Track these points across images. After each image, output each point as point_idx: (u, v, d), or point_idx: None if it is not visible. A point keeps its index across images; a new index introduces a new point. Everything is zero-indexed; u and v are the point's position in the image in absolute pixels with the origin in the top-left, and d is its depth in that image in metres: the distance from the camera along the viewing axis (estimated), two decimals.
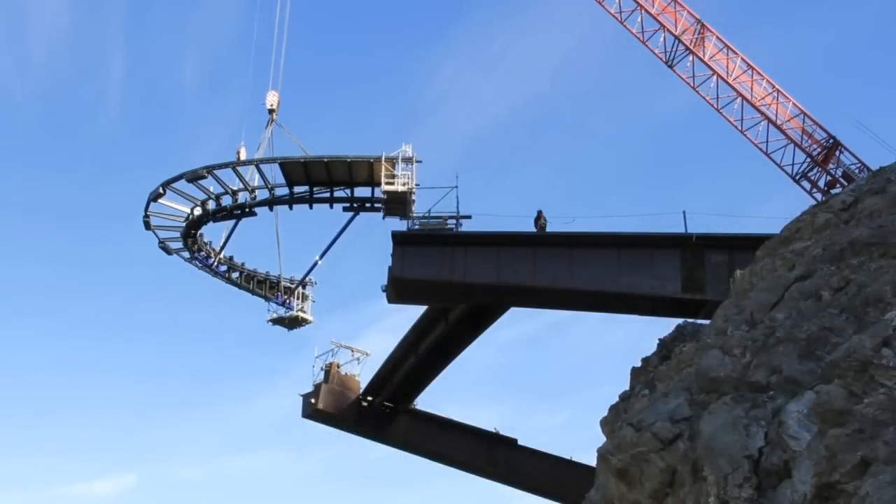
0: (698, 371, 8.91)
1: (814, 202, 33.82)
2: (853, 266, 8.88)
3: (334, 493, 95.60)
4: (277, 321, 38.10)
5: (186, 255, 36.66)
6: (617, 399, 11.52)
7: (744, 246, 22.43)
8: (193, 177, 32.59)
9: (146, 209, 34.38)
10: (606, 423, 10.93)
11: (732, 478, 7.04)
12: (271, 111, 36.96)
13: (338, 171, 31.41)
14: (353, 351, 38.59)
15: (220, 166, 32.72)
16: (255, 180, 33.32)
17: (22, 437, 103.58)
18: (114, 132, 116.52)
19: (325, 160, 31.15)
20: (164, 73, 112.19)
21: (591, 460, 10.61)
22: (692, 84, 36.53)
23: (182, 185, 33.26)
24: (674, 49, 36.47)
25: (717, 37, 36.58)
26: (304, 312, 37.93)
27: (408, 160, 30.16)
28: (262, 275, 38.70)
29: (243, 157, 35.84)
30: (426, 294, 28.87)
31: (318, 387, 37.11)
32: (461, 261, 26.85)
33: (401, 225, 29.10)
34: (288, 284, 38.33)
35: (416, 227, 27.88)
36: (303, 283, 38.08)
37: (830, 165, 35.39)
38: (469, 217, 27.84)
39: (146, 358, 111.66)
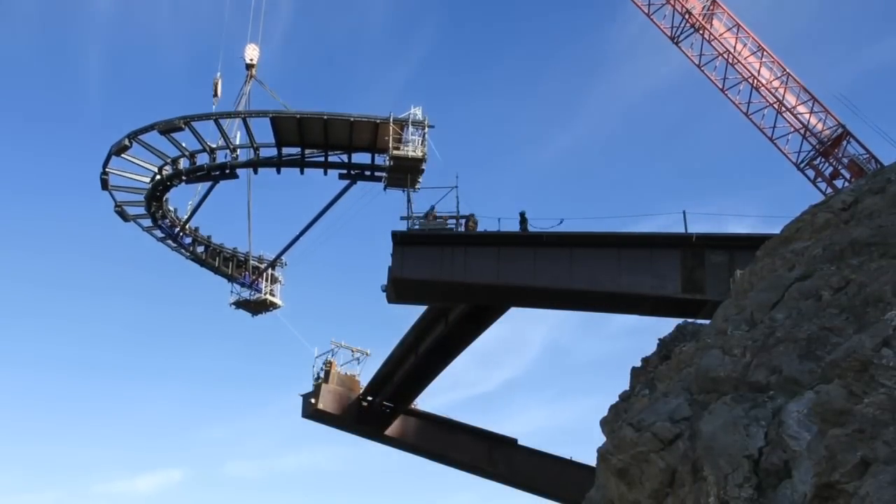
0: (698, 371, 8.91)
1: (816, 191, 33.59)
2: (853, 266, 8.87)
3: (393, 489, 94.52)
4: (241, 304, 35.39)
5: (147, 222, 33.07)
6: (617, 399, 11.52)
7: (744, 246, 22.45)
8: (167, 128, 28.82)
9: (105, 165, 30.58)
10: (606, 423, 10.93)
11: (732, 478, 7.04)
12: (250, 66, 34.10)
13: (336, 132, 28.09)
14: (353, 351, 38.51)
15: (200, 117, 29.02)
16: (237, 138, 29.87)
17: (73, 431, 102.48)
18: (275, 75, 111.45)
19: (325, 117, 27.62)
20: (341, 12, 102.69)
21: (591, 460, 10.62)
22: (697, 62, 35.42)
23: (153, 138, 29.38)
24: (680, 25, 35.23)
25: (728, 14, 35.42)
26: (273, 296, 35.06)
27: (418, 124, 27.29)
28: (229, 251, 35.62)
29: (219, 89, 32.74)
30: (426, 294, 28.84)
31: (318, 387, 37.05)
32: (461, 261, 26.83)
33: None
34: (256, 264, 35.13)
35: (417, 227, 27.86)
36: (272, 264, 35.04)
37: (837, 152, 34.33)
38: (469, 217, 27.83)
39: (202, 356, 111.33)
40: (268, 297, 35.02)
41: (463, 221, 27.62)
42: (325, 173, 29.61)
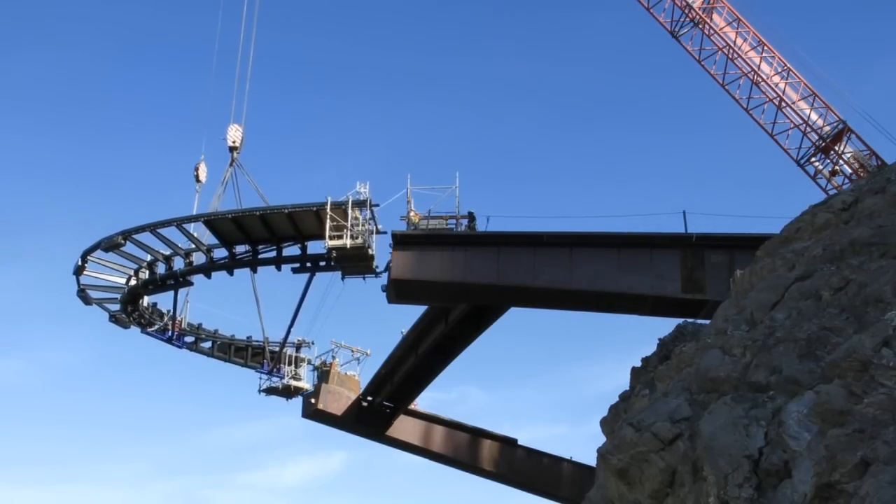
0: (698, 371, 8.91)
1: (817, 188, 33.34)
2: (853, 266, 8.87)
3: None
4: (272, 391, 34.65)
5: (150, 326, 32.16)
6: (617, 399, 11.53)
7: (744, 246, 22.44)
8: (109, 245, 28.00)
9: (78, 284, 30.19)
10: (606, 423, 10.93)
11: (732, 478, 7.04)
12: (233, 149, 32.35)
13: (279, 225, 26.72)
14: (353, 351, 38.42)
15: (136, 230, 27.88)
16: (205, 238, 28.56)
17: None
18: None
19: (259, 213, 26.41)
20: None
21: (591, 460, 10.61)
22: (697, 57, 35.01)
23: (111, 254, 28.68)
24: (680, 19, 34.83)
25: (729, 9, 35.05)
26: (298, 380, 34.29)
27: (361, 204, 25.65)
28: (242, 341, 34.82)
29: (202, 174, 31.62)
30: (426, 294, 28.80)
31: (318, 387, 36.99)
32: (461, 261, 26.81)
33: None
34: (273, 349, 34.06)
35: (414, 228, 27.77)
36: (296, 346, 34.68)
37: (837, 148, 33.88)
38: (468, 217, 27.81)
39: None
40: (291, 382, 34.21)
41: (464, 222, 27.56)
42: (279, 269, 27.91)
